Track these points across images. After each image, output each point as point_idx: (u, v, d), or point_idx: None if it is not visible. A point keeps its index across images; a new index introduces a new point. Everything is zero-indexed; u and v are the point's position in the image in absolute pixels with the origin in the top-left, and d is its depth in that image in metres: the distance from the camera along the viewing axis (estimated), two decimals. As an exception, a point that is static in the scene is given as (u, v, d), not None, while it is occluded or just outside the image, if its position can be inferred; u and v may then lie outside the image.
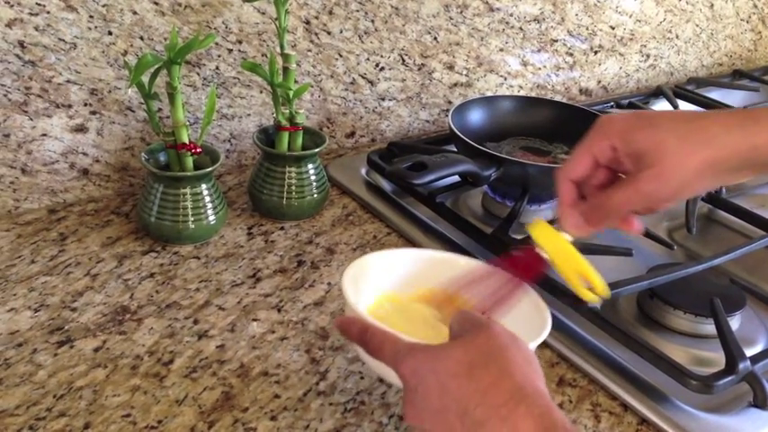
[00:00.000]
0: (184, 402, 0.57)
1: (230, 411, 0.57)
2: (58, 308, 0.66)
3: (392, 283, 0.62)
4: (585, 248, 0.77)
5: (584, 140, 0.54)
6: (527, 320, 0.57)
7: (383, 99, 1.04)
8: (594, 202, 0.53)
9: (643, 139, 0.51)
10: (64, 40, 0.75)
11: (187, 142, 0.74)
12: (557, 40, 1.20)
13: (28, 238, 0.75)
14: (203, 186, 0.75)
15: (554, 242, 0.54)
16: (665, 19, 1.34)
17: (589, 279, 0.53)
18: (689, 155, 0.49)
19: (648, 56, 1.37)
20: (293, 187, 0.81)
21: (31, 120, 0.76)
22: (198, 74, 0.85)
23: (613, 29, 1.27)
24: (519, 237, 0.79)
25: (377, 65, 1.00)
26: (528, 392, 0.42)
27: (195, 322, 0.66)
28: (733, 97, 1.31)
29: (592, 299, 0.53)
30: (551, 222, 0.57)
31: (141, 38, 0.80)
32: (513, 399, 0.42)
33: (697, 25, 1.41)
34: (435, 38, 1.04)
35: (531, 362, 0.46)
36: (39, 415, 0.55)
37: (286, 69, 0.79)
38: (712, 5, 1.41)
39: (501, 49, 1.13)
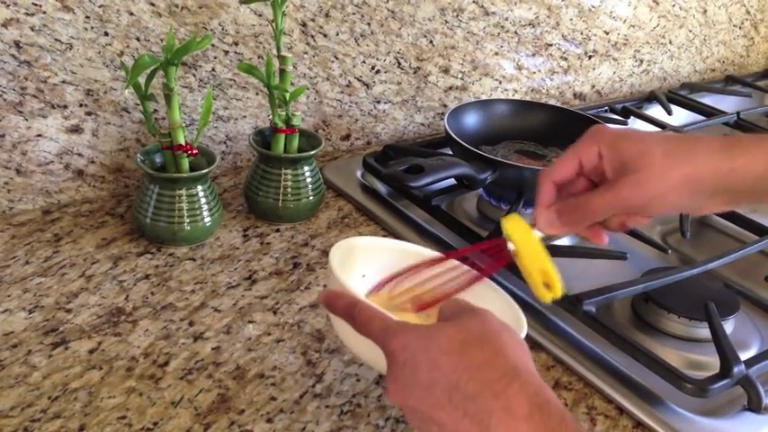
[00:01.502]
0: (180, 404, 0.57)
1: (226, 413, 0.57)
2: (52, 309, 0.66)
3: (369, 271, 0.61)
4: (581, 252, 0.78)
5: (573, 145, 0.55)
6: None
7: (379, 102, 1.04)
8: (571, 203, 0.54)
9: (630, 147, 0.52)
10: (60, 41, 0.75)
11: (183, 144, 0.74)
12: (551, 45, 1.20)
13: (22, 239, 0.75)
14: (199, 188, 0.75)
15: (523, 236, 0.54)
16: (658, 24, 1.35)
17: (549, 278, 0.53)
18: (670, 167, 0.50)
19: (642, 61, 1.37)
20: (289, 189, 0.81)
21: (27, 120, 0.76)
22: (194, 75, 0.85)
23: (607, 34, 1.28)
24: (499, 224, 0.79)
25: (373, 68, 1.00)
26: (521, 371, 0.43)
27: (191, 324, 0.66)
28: (725, 103, 1.32)
29: (547, 298, 0.53)
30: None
31: (138, 39, 0.80)
32: (507, 376, 0.42)
33: (690, 31, 1.42)
34: (431, 41, 1.05)
35: (523, 346, 0.46)
36: (33, 417, 0.55)
37: (282, 71, 0.79)
38: (705, 11, 1.42)
39: (496, 53, 1.14)
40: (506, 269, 0.61)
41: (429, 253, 0.63)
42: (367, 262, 0.62)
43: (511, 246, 0.55)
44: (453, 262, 0.59)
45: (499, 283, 0.62)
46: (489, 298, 0.59)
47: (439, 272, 0.59)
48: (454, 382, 0.42)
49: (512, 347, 0.44)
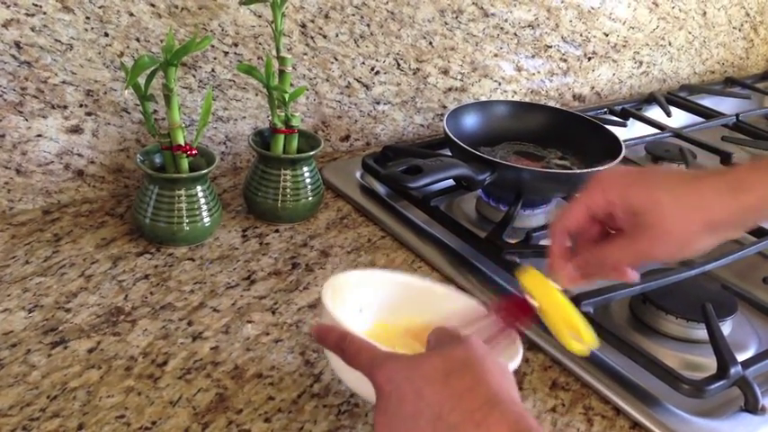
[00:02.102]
0: (178, 404, 0.57)
1: (224, 413, 0.57)
2: (52, 309, 0.66)
3: (372, 307, 0.62)
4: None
5: (580, 194, 0.55)
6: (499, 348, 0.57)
7: (378, 103, 1.04)
8: (589, 256, 0.54)
9: (639, 195, 0.52)
10: (60, 41, 0.75)
11: (183, 144, 0.74)
12: (551, 46, 1.21)
13: (22, 239, 0.75)
14: (198, 188, 0.75)
15: (543, 290, 0.54)
16: (657, 26, 1.35)
17: (577, 329, 0.53)
18: (685, 217, 0.51)
19: (641, 63, 1.37)
20: (288, 190, 0.81)
21: (27, 120, 0.76)
22: (194, 76, 0.85)
23: (607, 35, 1.28)
24: (512, 241, 0.79)
25: (372, 69, 1.01)
26: (502, 399, 0.43)
27: (189, 324, 0.66)
28: (725, 104, 1.32)
29: (579, 350, 0.53)
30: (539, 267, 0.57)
31: (137, 39, 0.80)
32: (488, 404, 0.42)
33: (690, 33, 1.42)
34: (430, 42, 1.05)
35: (505, 373, 0.47)
36: (32, 415, 0.55)
37: (282, 72, 0.79)
38: (705, 13, 1.42)
39: (495, 55, 1.14)
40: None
41: (426, 284, 0.64)
42: (362, 295, 0.62)
43: (533, 302, 0.54)
44: (485, 315, 0.58)
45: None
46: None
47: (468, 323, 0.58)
48: (437, 413, 0.43)
49: (494, 375, 0.45)
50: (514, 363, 0.55)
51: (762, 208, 0.51)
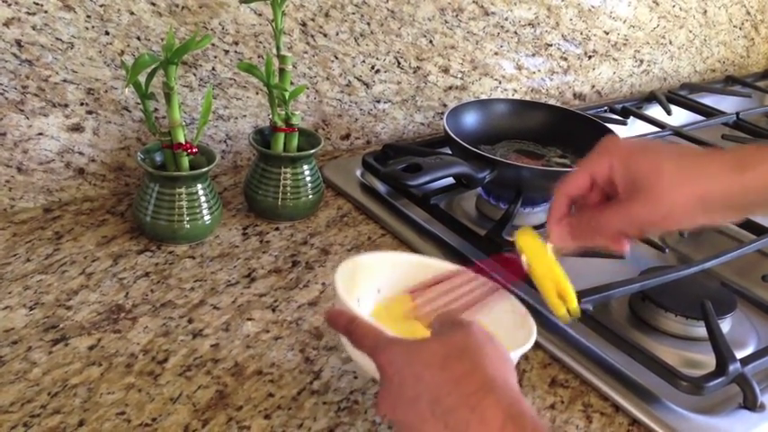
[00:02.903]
0: (179, 400, 0.58)
1: (224, 410, 0.57)
2: (52, 306, 0.66)
3: (384, 286, 0.63)
4: (579, 251, 0.78)
5: (585, 159, 0.55)
6: (512, 331, 0.57)
7: (378, 101, 1.04)
8: (583, 217, 0.55)
9: (642, 162, 0.52)
10: (61, 40, 0.76)
11: (183, 142, 0.75)
12: (551, 45, 1.21)
13: (23, 237, 0.75)
14: (199, 186, 0.76)
15: (536, 251, 0.55)
16: (658, 25, 1.35)
17: (564, 294, 0.54)
18: (682, 185, 0.50)
19: (642, 61, 1.38)
20: (288, 188, 0.81)
21: (28, 119, 0.77)
22: (194, 74, 0.85)
23: (607, 34, 1.28)
24: (512, 239, 0.79)
25: (372, 67, 1.01)
26: (498, 384, 0.44)
27: (190, 321, 0.66)
28: (725, 103, 1.33)
29: (562, 314, 0.54)
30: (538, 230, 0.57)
31: (138, 38, 0.80)
32: (483, 389, 0.43)
33: (690, 31, 1.42)
34: (431, 41, 1.05)
35: (504, 359, 0.47)
36: (33, 412, 0.55)
37: (282, 71, 0.79)
38: (705, 12, 1.42)
39: (496, 53, 1.14)
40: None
41: (439, 264, 0.65)
42: (376, 278, 0.63)
43: (524, 259, 0.55)
44: (471, 274, 0.59)
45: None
46: (502, 307, 0.60)
47: (457, 284, 0.59)
48: (435, 396, 0.44)
49: (492, 359, 0.45)
50: (527, 345, 0.55)
51: (760, 190, 0.50)
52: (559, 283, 0.54)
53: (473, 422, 0.42)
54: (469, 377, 0.44)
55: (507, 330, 0.57)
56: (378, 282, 0.63)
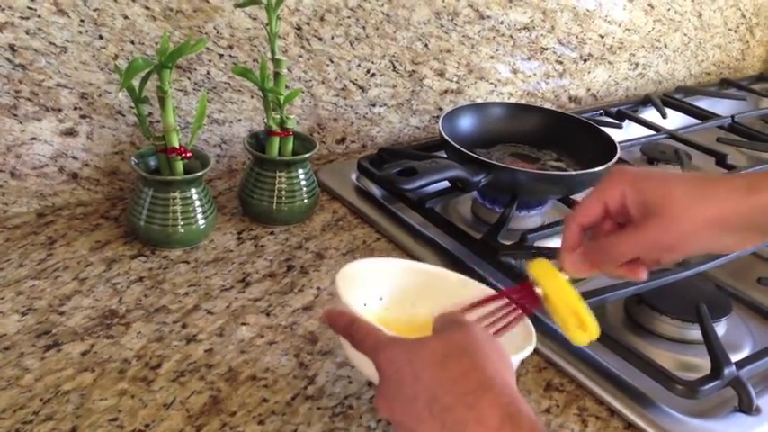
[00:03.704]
0: (172, 406, 0.57)
1: (218, 415, 0.57)
2: (45, 312, 0.66)
3: (387, 294, 0.63)
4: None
5: (595, 187, 0.55)
6: (511, 336, 0.57)
7: (374, 105, 1.04)
8: (597, 244, 0.54)
9: (652, 188, 0.52)
10: (54, 44, 0.75)
11: (177, 147, 0.74)
12: (547, 49, 1.21)
13: (16, 242, 0.75)
14: (193, 191, 0.75)
15: (551, 280, 0.54)
16: (653, 28, 1.36)
17: (581, 319, 0.53)
18: (695, 208, 0.50)
19: (637, 64, 1.38)
20: (283, 192, 0.81)
21: (21, 123, 0.76)
22: (189, 78, 0.85)
23: (602, 37, 1.28)
24: (507, 242, 0.79)
25: (368, 71, 1.01)
26: (496, 383, 0.44)
27: (184, 326, 0.66)
28: (721, 106, 1.33)
29: (582, 340, 0.53)
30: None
31: (132, 42, 0.80)
32: (481, 388, 0.43)
33: (685, 35, 1.42)
34: (426, 45, 1.05)
35: (503, 359, 0.47)
36: (25, 419, 0.55)
37: (277, 75, 0.79)
38: (701, 15, 1.42)
39: (491, 57, 1.14)
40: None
41: (444, 273, 0.65)
42: (377, 283, 0.63)
43: (539, 290, 0.54)
44: (503, 301, 0.58)
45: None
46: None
47: (489, 310, 0.58)
48: (433, 395, 0.44)
49: (491, 359, 0.45)
50: (527, 350, 0.55)
51: None
52: (578, 312, 0.53)
53: (471, 421, 0.42)
54: (468, 376, 0.44)
55: (507, 336, 0.57)
56: (380, 288, 0.63)
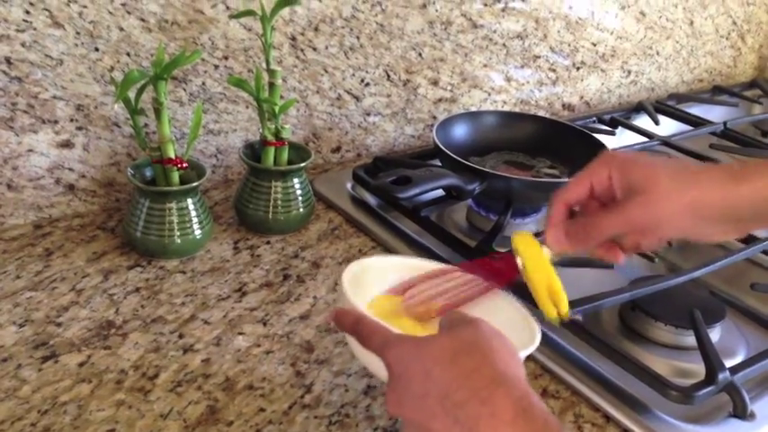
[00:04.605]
0: (169, 416, 0.58)
1: (215, 425, 0.57)
2: (42, 323, 0.66)
3: (385, 289, 0.63)
4: (570, 261, 0.79)
5: (585, 168, 0.56)
6: (515, 332, 0.58)
7: (369, 114, 1.05)
8: (579, 221, 0.56)
9: (638, 171, 0.53)
10: (50, 57, 0.76)
11: (173, 157, 0.75)
12: (539, 57, 1.22)
13: (13, 254, 0.75)
14: (189, 201, 0.76)
15: (532, 252, 0.56)
16: (645, 36, 1.37)
17: (557, 298, 0.54)
18: (676, 190, 0.52)
19: (630, 72, 1.39)
20: (279, 202, 0.82)
21: (17, 135, 0.77)
22: (184, 89, 0.86)
23: (595, 45, 1.29)
24: (502, 250, 0.79)
25: (362, 80, 1.01)
26: (508, 377, 0.44)
27: (180, 336, 0.66)
28: (713, 112, 1.34)
29: (554, 317, 0.55)
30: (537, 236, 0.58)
31: (128, 54, 0.80)
32: (494, 383, 0.43)
33: (677, 42, 1.44)
34: (420, 54, 1.06)
35: (513, 354, 0.47)
36: (23, 430, 0.55)
37: (272, 85, 0.80)
38: (692, 23, 1.44)
39: (485, 65, 1.15)
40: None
41: (445, 268, 0.65)
42: (382, 281, 0.63)
43: (520, 261, 0.56)
44: (466, 273, 0.60)
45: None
46: (505, 310, 0.61)
47: (453, 284, 0.60)
48: (445, 391, 0.44)
49: (501, 354, 0.46)
50: (533, 346, 0.56)
51: (753, 202, 0.51)
52: (552, 287, 0.55)
53: (484, 416, 0.42)
54: (479, 371, 0.44)
55: (510, 332, 0.57)
56: (385, 285, 0.63)
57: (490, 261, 0.59)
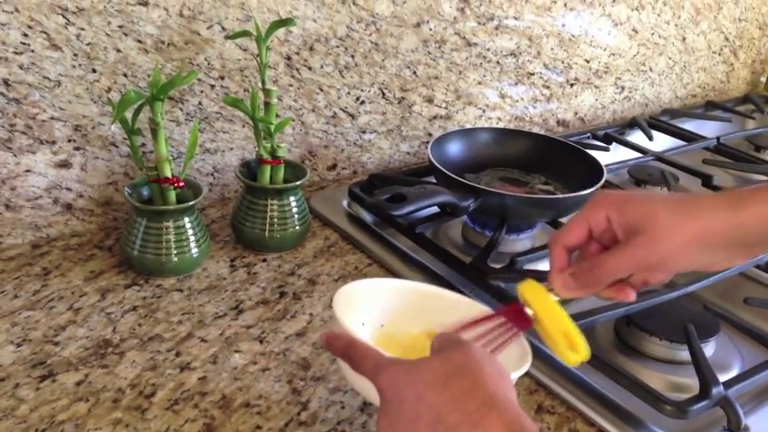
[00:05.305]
0: (166, 435, 0.58)
1: (212, 443, 0.58)
2: (40, 342, 0.66)
3: (384, 314, 0.64)
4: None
5: (580, 210, 0.56)
6: (507, 353, 0.58)
7: (364, 132, 1.05)
8: (585, 265, 0.55)
9: (637, 209, 0.53)
10: (48, 78, 0.77)
11: (170, 176, 0.75)
12: (533, 74, 1.23)
13: (11, 273, 0.75)
14: (186, 220, 0.76)
15: (542, 301, 0.55)
16: (638, 52, 1.38)
17: (573, 340, 0.53)
18: (679, 224, 0.51)
19: (623, 88, 1.40)
20: (275, 219, 0.82)
21: (15, 156, 0.77)
22: (181, 109, 0.87)
23: (588, 62, 1.30)
24: (497, 266, 0.80)
25: (357, 99, 1.02)
26: (499, 400, 0.44)
27: (177, 354, 0.67)
28: (706, 128, 1.35)
29: (573, 361, 0.54)
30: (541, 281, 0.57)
31: (125, 75, 0.81)
32: (486, 405, 0.43)
33: (670, 58, 1.45)
34: (414, 72, 1.07)
35: (504, 376, 0.48)
36: (20, 450, 0.55)
37: (267, 104, 0.81)
38: (684, 39, 1.45)
39: (479, 83, 1.16)
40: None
41: (441, 292, 0.66)
42: (369, 305, 0.63)
43: (529, 311, 0.55)
44: (498, 320, 0.58)
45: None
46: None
47: (484, 329, 0.58)
48: (437, 415, 0.44)
49: (492, 377, 0.46)
50: (523, 368, 0.56)
51: (758, 227, 0.51)
52: (569, 333, 0.54)
53: None
54: (471, 394, 0.44)
55: (503, 354, 0.57)
56: (378, 308, 0.63)
57: (501, 312, 0.58)
